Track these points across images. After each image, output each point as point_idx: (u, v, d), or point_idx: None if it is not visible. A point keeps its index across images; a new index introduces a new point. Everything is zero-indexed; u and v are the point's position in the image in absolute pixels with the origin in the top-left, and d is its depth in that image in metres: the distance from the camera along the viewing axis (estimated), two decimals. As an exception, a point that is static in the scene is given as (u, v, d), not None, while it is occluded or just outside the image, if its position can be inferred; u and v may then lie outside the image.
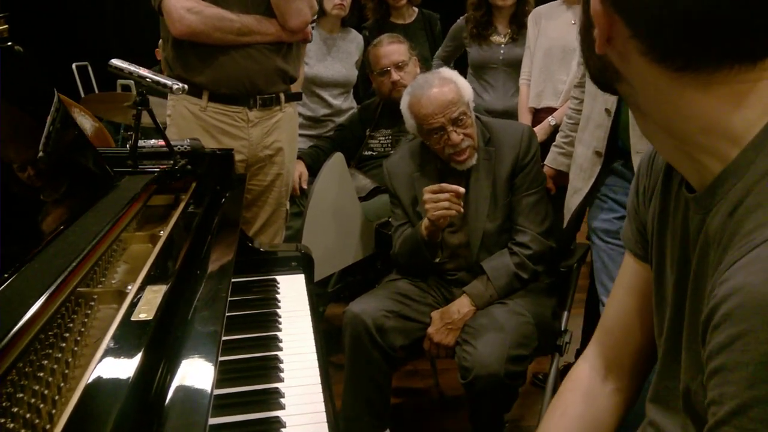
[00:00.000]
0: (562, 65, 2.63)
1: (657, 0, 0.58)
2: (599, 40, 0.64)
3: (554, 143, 2.09)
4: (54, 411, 0.67)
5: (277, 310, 1.39)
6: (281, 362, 1.19)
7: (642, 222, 0.87)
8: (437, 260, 1.97)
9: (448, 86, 1.90)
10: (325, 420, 1.05)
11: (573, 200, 1.88)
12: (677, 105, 0.63)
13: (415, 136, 2.04)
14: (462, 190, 1.80)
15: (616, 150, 1.74)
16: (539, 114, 2.71)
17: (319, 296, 1.85)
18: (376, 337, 1.83)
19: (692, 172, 0.68)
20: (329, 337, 1.35)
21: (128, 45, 4.66)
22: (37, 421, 0.65)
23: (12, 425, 0.63)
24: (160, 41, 2.48)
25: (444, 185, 1.82)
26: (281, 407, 1.05)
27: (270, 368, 1.16)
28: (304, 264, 1.59)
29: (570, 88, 2.56)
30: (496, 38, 2.91)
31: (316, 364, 1.21)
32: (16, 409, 0.65)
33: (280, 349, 1.24)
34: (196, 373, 0.78)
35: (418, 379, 2.52)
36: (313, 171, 2.56)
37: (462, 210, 1.81)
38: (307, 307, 1.42)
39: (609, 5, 0.61)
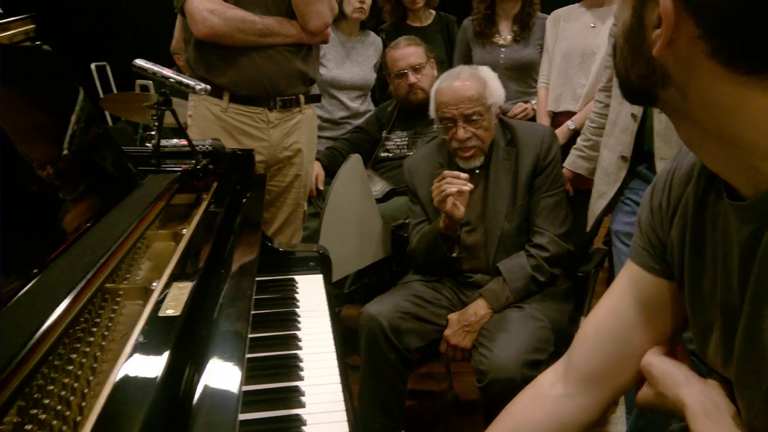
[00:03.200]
0: (581, 69, 2.62)
1: None
2: (662, 41, 0.61)
3: (575, 146, 2.09)
4: (84, 404, 0.68)
5: (296, 310, 1.40)
6: (301, 361, 1.19)
7: (659, 238, 0.85)
8: (454, 254, 1.96)
9: (473, 82, 1.91)
10: (345, 419, 1.05)
11: (597, 204, 1.86)
12: (739, 110, 0.61)
13: (434, 120, 2.04)
14: (464, 175, 1.82)
15: (641, 154, 1.73)
16: (558, 118, 2.70)
17: (334, 297, 1.86)
18: (392, 339, 1.84)
19: (744, 180, 0.66)
20: (344, 338, 1.36)
21: (146, 45, 4.70)
22: (67, 413, 0.66)
23: (43, 416, 0.64)
24: (174, 44, 2.50)
25: (446, 172, 1.85)
26: (301, 405, 1.06)
27: (290, 367, 1.17)
28: (322, 264, 1.60)
29: (589, 92, 2.56)
30: (498, 39, 2.88)
31: (335, 363, 1.21)
32: (47, 401, 0.66)
33: (300, 348, 1.24)
34: (224, 370, 0.79)
35: (433, 382, 2.52)
36: (330, 172, 2.57)
37: (467, 188, 1.82)
38: (326, 307, 1.43)
39: (681, 4, 0.59)
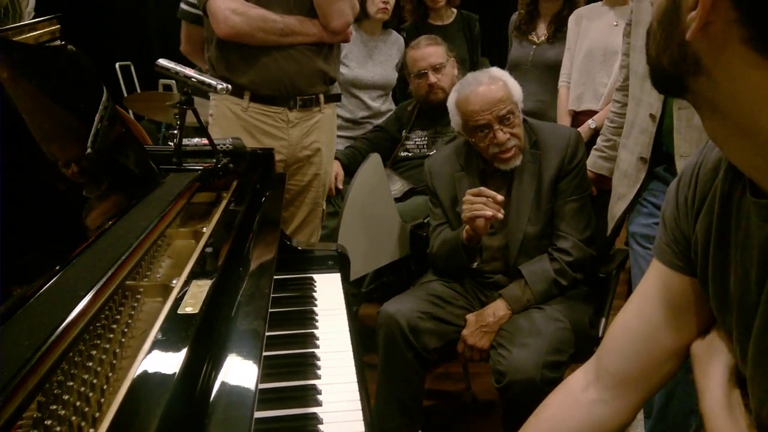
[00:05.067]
0: (604, 67, 2.60)
1: None
2: (697, 23, 0.59)
3: (595, 147, 2.07)
4: (102, 400, 0.69)
5: (314, 308, 1.40)
6: (318, 359, 1.20)
7: (684, 234, 0.83)
8: (475, 265, 1.95)
9: (496, 84, 1.90)
10: (362, 418, 1.05)
11: (617, 207, 1.84)
12: None
13: (459, 134, 2.03)
14: (500, 197, 1.77)
15: (660, 156, 1.70)
16: (579, 117, 2.68)
17: (353, 296, 1.87)
18: (410, 338, 1.83)
19: None
20: (362, 337, 1.36)
21: (170, 45, 4.75)
22: (86, 409, 0.67)
23: (63, 412, 0.65)
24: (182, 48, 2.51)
25: (483, 189, 1.80)
26: (318, 404, 1.06)
27: (307, 365, 1.17)
28: (340, 263, 1.60)
29: (611, 91, 2.53)
30: (533, 37, 2.89)
31: (352, 362, 1.22)
32: (66, 397, 0.67)
33: (317, 347, 1.25)
34: (241, 367, 0.79)
35: (451, 382, 2.51)
36: (349, 171, 2.58)
37: (501, 215, 1.78)
38: (343, 306, 1.43)
39: None
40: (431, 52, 2.62)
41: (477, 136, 1.91)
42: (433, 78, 2.58)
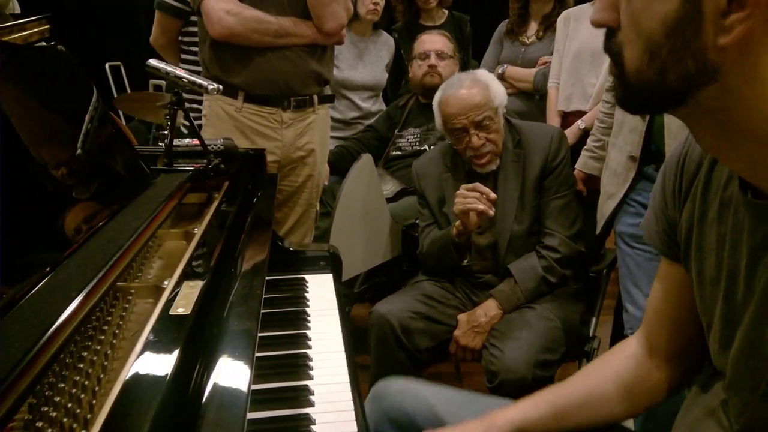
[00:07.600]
0: (592, 68, 2.61)
1: None
2: (744, 26, 0.54)
3: (585, 147, 2.08)
4: (94, 401, 0.69)
5: (306, 309, 1.40)
6: (310, 360, 1.20)
7: (670, 222, 0.85)
8: (465, 262, 1.96)
9: (477, 88, 1.91)
10: (354, 419, 1.06)
11: (607, 206, 1.85)
12: None
13: (442, 133, 2.05)
14: (493, 195, 1.80)
15: (649, 154, 1.72)
16: (568, 117, 2.69)
17: (345, 296, 1.87)
18: (402, 338, 1.84)
19: None
20: (354, 338, 1.36)
21: (160, 46, 4.72)
22: (78, 410, 0.67)
23: (54, 414, 0.65)
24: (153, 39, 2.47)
25: (478, 185, 1.83)
26: (311, 404, 1.06)
27: (299, 366, 1.17)
28: (332, 264, 1.60)
29: (599, 91, 2.54)
30: (524, 38, 2.92)
31: (344, 362, 1.22)
32: (58, 399, 0.67)
33: (309, 347, 1.25)
34: (233, 368, 0.79)
35: (443, 382, 2.51)
36: (338, 170, 2.59)
37: (491, 212, 1.81)
38: (335, 307, 1.43)
39: None
40: (440, 40, 2.70)
41: (454, 138, 1.94)
42: (434, 60, 2.62)
